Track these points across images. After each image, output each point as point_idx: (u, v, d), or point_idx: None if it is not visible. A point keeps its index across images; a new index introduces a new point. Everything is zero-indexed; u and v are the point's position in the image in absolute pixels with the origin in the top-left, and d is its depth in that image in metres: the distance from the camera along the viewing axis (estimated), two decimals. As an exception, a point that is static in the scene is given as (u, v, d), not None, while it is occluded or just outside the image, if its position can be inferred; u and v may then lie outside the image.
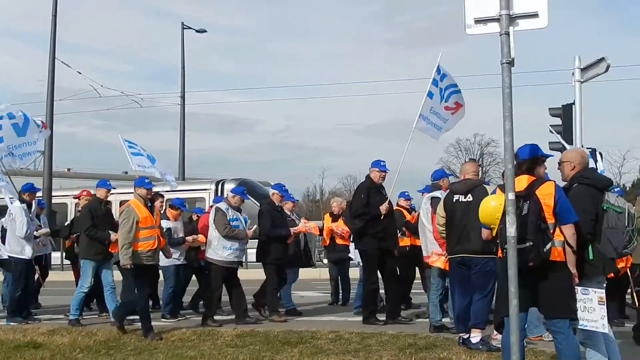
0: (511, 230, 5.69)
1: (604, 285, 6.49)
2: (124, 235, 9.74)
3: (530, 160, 6.21)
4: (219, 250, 10.93)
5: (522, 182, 5.99)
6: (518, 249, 5.68)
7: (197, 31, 35.47)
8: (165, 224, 11.50)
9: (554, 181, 6.22)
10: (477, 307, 8.27)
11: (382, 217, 10.44)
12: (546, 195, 5.94)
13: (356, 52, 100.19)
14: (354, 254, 12.39)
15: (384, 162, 10.82)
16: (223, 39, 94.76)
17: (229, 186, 23.23)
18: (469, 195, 8.34)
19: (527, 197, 5.83)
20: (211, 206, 12.59)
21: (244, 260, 11.75)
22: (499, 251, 6.00)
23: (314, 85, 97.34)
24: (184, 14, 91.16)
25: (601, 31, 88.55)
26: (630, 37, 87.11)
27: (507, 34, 5.96)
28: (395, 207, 11.61)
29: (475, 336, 8.30)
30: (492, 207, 5.99)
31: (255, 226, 11.34)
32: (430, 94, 11.57)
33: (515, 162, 6.07)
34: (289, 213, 12.38)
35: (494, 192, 6.31)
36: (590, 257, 6.18)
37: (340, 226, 13.04)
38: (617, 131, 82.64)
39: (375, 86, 72.85)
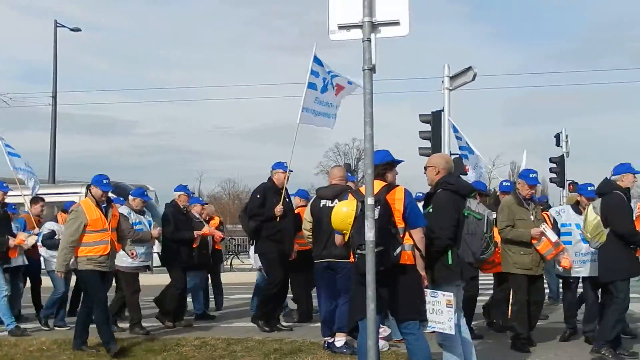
0: (369, 235, 5.73)
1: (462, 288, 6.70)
2: (66, 239, 8.82)
3: (381, 165, 6.26)
4: (124, 256, 10.32)
5: (374, 187, 5.99)
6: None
7: (71, 30, 34.36)
8: (52, 226, 11.33)
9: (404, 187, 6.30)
10: (342, 311, 8.25)
11: (277, 219, 10.20)
12: (396, 200, 6.03)
13: (236, 55, 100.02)
14: (254, 258, 11.89)
15: (286, 163, 10.60)
16: (100, 39, 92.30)
17: (100, 189, 22.52)
18: (336, 200, 8.36)
19: (378, 202, 5.86)
20: None
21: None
22: (351, 256, 6.01)
23: (193, 87, 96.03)
24: (58, 12, 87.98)
25: (474, 41, 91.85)
26: (500, 47, 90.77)
27: (369, 40, 6.00)
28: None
29: (340, 340, 8.35)
30: (344, 212, 6.00)
31: (159, 228, 10.88)
32: (311, 85, 11.29)
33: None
34: (197, 216, 12.16)
35: (346, 198, 6.32)
36: (449, 261, 6.33)
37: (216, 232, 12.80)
38: (488, 138, 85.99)
39: (253, 90, 72.71)
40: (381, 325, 6.59)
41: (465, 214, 6.46)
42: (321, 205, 8.65)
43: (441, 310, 6.16)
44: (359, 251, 5.77)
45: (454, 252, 6.36)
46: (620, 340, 8.25)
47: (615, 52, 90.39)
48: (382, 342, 8.03)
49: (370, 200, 5.76)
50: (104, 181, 9.00)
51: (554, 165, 25.42)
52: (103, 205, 8.99)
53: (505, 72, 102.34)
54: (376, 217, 5.74)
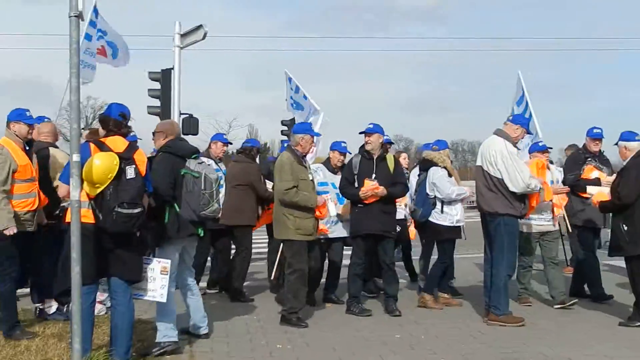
0: (75, 194, 5.40)
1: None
2: None
3: (118, 121, 6.03)
4: None
5: (120, 143, 5.85)
6: (128, 214, 5.56)
7: None
8: None
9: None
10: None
11: None
12: (142, 162, 5.89)
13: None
14: None
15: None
16: None
17: None
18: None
19: (130, 160, 5.72)
20: None
21: None
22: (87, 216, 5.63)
23: None
24: None
25: (216, 4, 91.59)
26: (243, 12, 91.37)
27: (75, -15, 5.59)
28: None
29: (51, 306, 7.88)
30: (100, 166, 5.59)
31: None
32: (87, 36, 10.76)
33: (109, 121, 5.97)
34: None
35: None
36: (166, 220, 6.42)
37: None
38: (228, 99, 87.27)
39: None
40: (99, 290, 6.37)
41: (183, 173, 6.48)
42: None
43: (154, 277, 6.14)
44: (118, 209, 5.51)
45: (172, 211, 6.42)
46: (359, 297, 8.70)
47: (352, 22, 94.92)
48: (99, 306, 7.71)
49: (75, 158, 5.43)
50: (27, 114, 7.21)
51: (286, 128, 26.12)
52: (26, 149, 7.21)
53: (248, 35, 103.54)
54: (132, 176, 5.65)
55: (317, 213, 8.00)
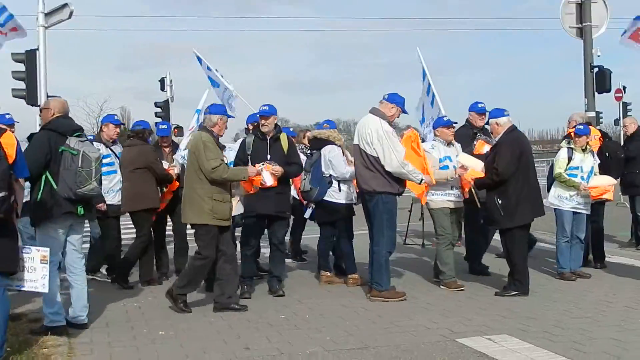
0: None
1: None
2: None
3: None
4: None
5: None
6: None
7: None
8: None
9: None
10: None
11: None
12: (10, 145, 5.57)
13: None
14: None
15: None
16: None
17: None
18: None
19: None
20: None
21: None
22: None
23: None
24: None
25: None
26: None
27: None
28: None
29: None
30: None
31: None
32: None
33: None
34: None
35: None
36: (39, 197, 6.45)
37: None
38: (99, 81, 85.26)
39: None
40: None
41: (60, 150, 6.48)
42: None
43: (34, 267, 5.87)
44: None
45: (46, 188, 6.47)
46: (247, 280, 8.53)
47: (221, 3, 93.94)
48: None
49: None
50: None
51: (159, 110, 25.62)
52: None
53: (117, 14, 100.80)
54: None
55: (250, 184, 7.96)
